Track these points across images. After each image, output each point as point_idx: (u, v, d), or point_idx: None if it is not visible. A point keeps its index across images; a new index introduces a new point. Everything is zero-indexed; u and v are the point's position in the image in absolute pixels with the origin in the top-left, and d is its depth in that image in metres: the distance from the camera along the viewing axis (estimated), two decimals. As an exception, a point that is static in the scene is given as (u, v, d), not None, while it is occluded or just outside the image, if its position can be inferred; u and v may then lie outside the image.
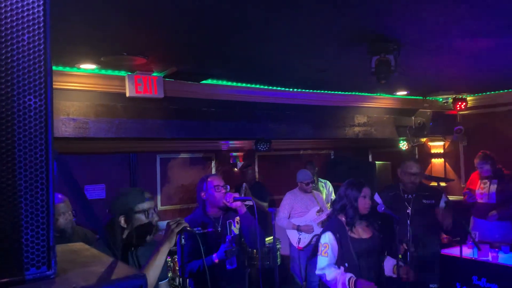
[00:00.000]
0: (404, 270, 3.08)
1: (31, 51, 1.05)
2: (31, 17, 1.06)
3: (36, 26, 1.06)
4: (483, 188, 5.45)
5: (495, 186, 5.34)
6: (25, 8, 1.05)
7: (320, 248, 3.08)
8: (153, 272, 2.11)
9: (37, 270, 1.02)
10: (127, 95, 4.32)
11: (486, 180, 5.42)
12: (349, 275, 2.93)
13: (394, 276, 3.12)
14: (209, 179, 3.10)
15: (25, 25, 1.05)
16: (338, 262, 3.04)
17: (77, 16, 2.64)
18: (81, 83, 4.22)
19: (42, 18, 1.07)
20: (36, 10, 1.06)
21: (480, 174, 5.49)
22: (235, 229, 3.06)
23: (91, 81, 4.26)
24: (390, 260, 3.22)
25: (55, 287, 0.99)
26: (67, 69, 4.04)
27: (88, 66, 3.99)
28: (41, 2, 1.07)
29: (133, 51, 3.57)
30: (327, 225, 3.25)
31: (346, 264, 3.00)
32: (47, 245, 1.05)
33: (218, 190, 3.05)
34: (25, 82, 1.05)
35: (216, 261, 2.86)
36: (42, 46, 1.07)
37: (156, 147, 6.61)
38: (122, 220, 2.24)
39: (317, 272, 3.08)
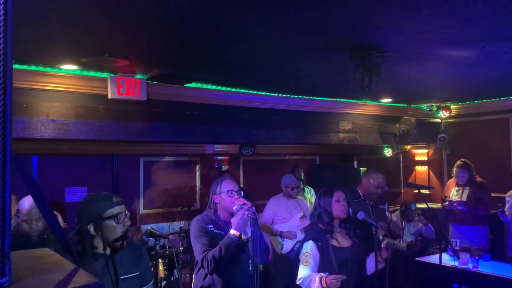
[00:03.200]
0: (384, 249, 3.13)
1: (-11, 50, 1.02)
2: (-10, 16, 1.02)
3: (-5, 25, 1.03)
4: (456, 196, 5.60)
5: (467, 193, 5.46)
6: (-16, 7, 1.01)
7: (302, 257, 3.05)
8: None
9: (-11, 278, 0.98)
10: (109, 97, 4.26)
11: (461, 188, 5.58)
12: (321, 274, 2.90)
13: (379, 265, 3.11)
14: (222, 183, 3.03)
15: (-17, 24, 1.01)
16: (319, 271, 3.01)
17: (57, 15, 2.59)
18: (62, 84, 4.16)
19: (2, 17, 1.03)
20: (-5, 9, 1.03)
21: (457, 182, 5.66)
22: (247, 232, 2.99)
23: (72, 82, 4.20)
24: (371, 257, 3.21)
25: (7, 296, 0.95)
26: (48, 69, 3.98)
27: (69, 67, 3.93)
28: (1, 2, 1.04)
29: (114, 52, 3.52)
30: (308, 234, 3.22)
31: (327, 273, 2.96)
32: (2, 252, 1.01)
33: (231, 195, 2.98)
34: (-19, 83, 1.01)
35: (235, 233, 2.79)
36: (1, 46, 1.03)
37: (139, 150, 6.56)
38: (91, 228, 2.15)
39: (297, 282, 3.04)
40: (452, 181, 5.80)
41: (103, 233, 2.17)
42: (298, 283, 3.03)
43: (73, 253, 1.18)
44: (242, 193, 3.06)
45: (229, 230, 2.85)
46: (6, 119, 1.04)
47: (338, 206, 3.09)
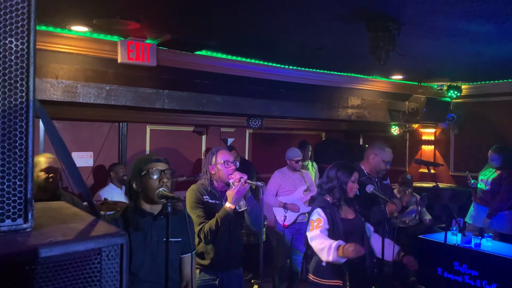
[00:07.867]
0: (408, 260, 3.09)
1: (14, -10, 0.99)
2: (15, -47, 0.98)
3: (20, -36, 0.99)
4: (486, 175, 5.53)
5: (496, 175, 5.40)
6: None
7: (312, 224, 3.00)
8: None
9: (12, 222, 0.98)
10: (119, 61, 4.21)
11: (494, 170, 5.47)
12: (339, 242, 2.83)
13: (394, 260, 3.13)
14: (218, 153, 3.01)
15: (8, -38, 0.97)
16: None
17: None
18: (72, 46, 4.10)
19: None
20: None
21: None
22: (241, 205, 2.97)
23: (82, 44, 4.14)
24: (378, 239, 3.21)
25: (31, 240, 0.94)
26: (58, 30, 3.92)
27: (80, 29, 3.87)
28: None
29: (126, 15, 3.46)
30: (315, 204, 3.18)
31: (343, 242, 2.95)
32: (24, 197, 1.00)
33: (228, 165, 2.97)
34: (7, 23, 0.98)
35: (231, 207, 2.81)
36: (26, 9, 1.01)
37: (146, 118, 6.51)
38: (134, 184, 2.26)
39: (310, 242, 2.97)
40: None
41: (144, 189, 2.22)
42: (310, 243, 2.98)
43: (93, 205, 1.18)
44: (238, 163, 3.06)
45: (224, 200, 2.88)
46: (30, 63, 1.02)
47: (352, 187, 3.09)
